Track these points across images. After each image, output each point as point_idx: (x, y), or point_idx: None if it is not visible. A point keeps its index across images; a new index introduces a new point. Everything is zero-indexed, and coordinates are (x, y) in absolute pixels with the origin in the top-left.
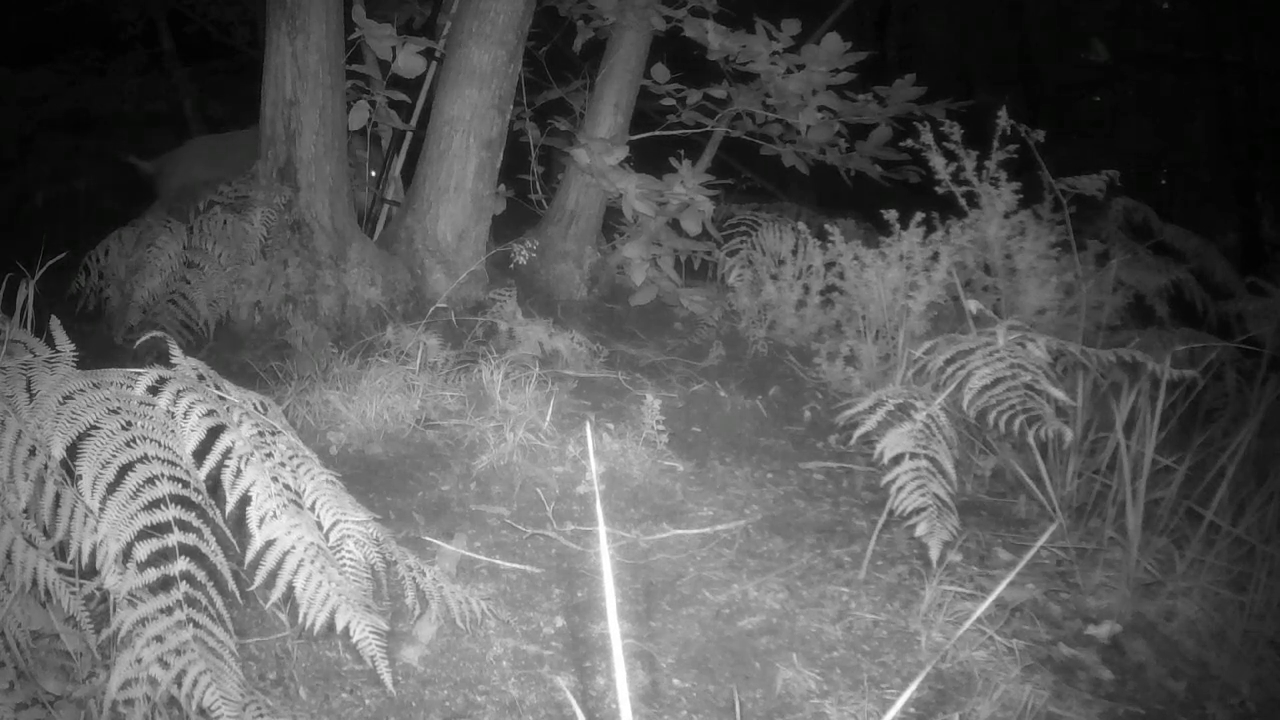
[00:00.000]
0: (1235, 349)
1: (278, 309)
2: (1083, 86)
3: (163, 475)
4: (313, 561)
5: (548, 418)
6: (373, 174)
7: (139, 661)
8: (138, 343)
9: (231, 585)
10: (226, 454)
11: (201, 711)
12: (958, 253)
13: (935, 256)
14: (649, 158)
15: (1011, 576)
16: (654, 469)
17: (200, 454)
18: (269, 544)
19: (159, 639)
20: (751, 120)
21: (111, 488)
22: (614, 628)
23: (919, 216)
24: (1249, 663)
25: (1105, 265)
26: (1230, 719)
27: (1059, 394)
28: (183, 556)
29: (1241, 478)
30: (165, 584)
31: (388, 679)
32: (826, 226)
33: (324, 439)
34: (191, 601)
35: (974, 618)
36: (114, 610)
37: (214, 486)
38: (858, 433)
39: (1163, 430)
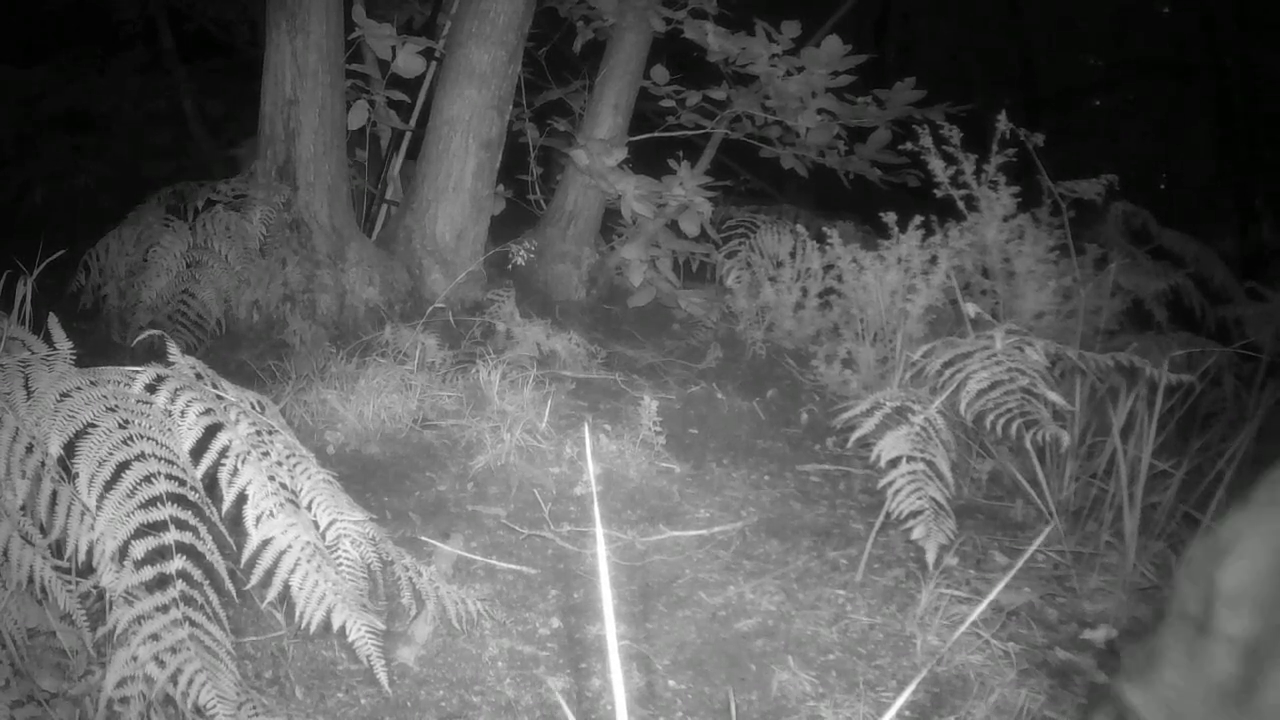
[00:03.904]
0: (1233, 354)
1: (276, 308)
2: (1082, 90)
3: (160, 473)
4: (309, 560)
5: (545, 418)
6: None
7: (135, 659)
8: (135, 340)
9: (228, 584)
10: (223, 452)
11: (197, 710)
12: (956, 256)
13: (934, 260)
14: (648, 159)
15: (1007, 580)
16: (651, 470)
17: (197, 452)
18: (266, 543)
19: (155, 637)
20: (751, 122)
21: (108, 485)
22: (610, 629)
23: (917, 220)
24: None
25: (1104, 269)
26: None
27: (1056, 398)
28: (179, 555)
29: (1239, 482)
30: (162, 582)
31: (384, 679)
32: (825, 229)
33: (321, 438)
34: (188, 600)
35: (969, 621)
36: (110, 608)
37: (211, 485)
38: (855, 435)
39: (1160, 435)
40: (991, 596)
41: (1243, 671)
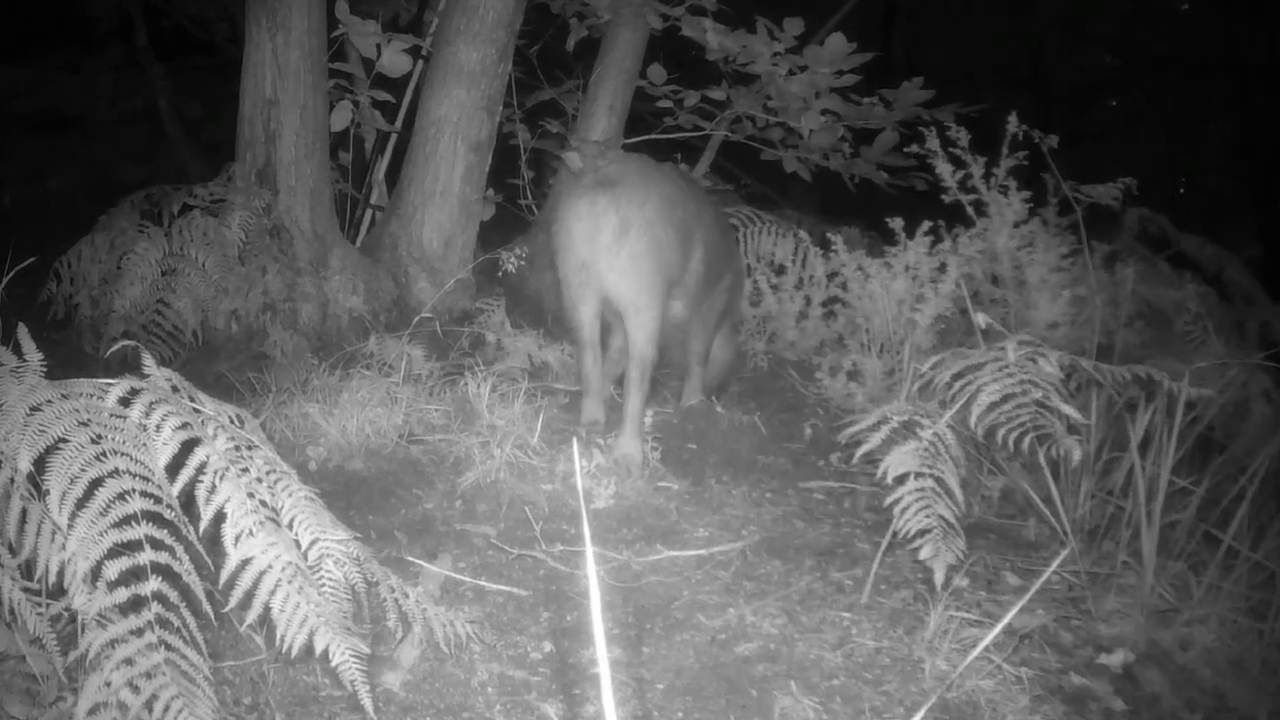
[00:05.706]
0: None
1: (256, 318)
2: (1095, 90)
3: (134, 491)
4: (290, 581)
5: (536, 433)
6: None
7: (108, 685)
8: (108, 352)
9: (206, 606)
10: (201, 469)
11: None
12: (966, 264)
13: (942, 267)
14: None
15: (1021, 602)
16: (647, 488)
17: (174, 469)
18: (245, 563)
19: (129, 662)
20: (752, 123)
21: (80, 503)
22: (602, 653)
23: (925, 225)
24: (1268, 693)
25: (1120, 277)
26: None
27: (1071, 411)
28: (155, 576)
29: (1261, 500)
30: (136, 604)
31: (368, 705)
32: (829, 235)
33: (303, 454)
34: (164, 623)
35: (981, 645)
36: (82, 631)
37: (188, 503)
38: (860, 451)
39: (1180, 450)
40: (1006, 619)
41: None
